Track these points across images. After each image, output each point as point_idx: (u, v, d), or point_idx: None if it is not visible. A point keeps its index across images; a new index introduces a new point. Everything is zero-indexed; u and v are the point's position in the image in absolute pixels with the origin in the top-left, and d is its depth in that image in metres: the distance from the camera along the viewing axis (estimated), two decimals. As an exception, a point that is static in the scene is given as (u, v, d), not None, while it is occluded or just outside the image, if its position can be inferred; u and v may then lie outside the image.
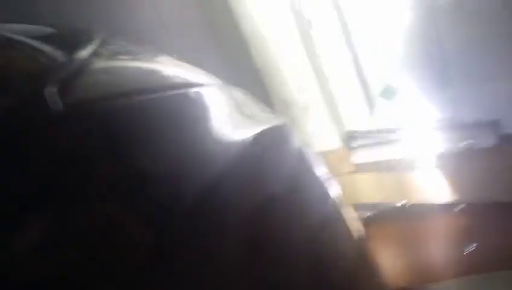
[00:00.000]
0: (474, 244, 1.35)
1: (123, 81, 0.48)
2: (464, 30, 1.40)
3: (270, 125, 0.63)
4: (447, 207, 1.46)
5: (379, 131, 1.62)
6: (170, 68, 0.60)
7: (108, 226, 0.40)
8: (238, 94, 0.66)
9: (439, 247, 1.40)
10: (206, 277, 0.44)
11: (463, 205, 1.46)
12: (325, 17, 1.49)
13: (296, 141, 0.68)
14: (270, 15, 1.43)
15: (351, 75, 1.59)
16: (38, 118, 0.37)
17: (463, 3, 1.35)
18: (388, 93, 1.61)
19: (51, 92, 0.38)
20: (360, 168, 1.59)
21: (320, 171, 0.72)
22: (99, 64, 0.48)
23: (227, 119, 0.58)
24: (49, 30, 0.54)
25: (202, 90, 0.57)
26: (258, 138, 0.58)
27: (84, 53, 0.47)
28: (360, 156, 1.59)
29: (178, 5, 1.26)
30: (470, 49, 1.42)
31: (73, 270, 0.37)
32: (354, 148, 1.60)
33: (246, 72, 1.45)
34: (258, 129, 0.59)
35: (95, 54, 0.49)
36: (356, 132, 1.64)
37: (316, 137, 1.56)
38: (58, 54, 0.46)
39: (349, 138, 1.62)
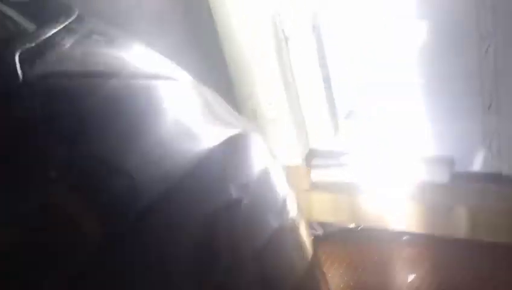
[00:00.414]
0: (416, 274, 1.39)
1: (96, 62, 0.46)
2: (431, 68, 1.46)
3: (239, 131, 0.62)
4: (396, 235, 1.50)
5: (340, 153, 1.64)
6: (145, 57, 0.58)
7: (56, 213, 0.38)
8: (209, 93, 0.65)
9: (383, 273, 1.43)
10: (157, 278, 0.43)
11: (411, 235, 1.50)
12: (302, 36, 1.51)
13: (262, 151, 0.68)
14: (249, 26, 1.44)
15: (320, 95, 1.61)
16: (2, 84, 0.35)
17: (434, 41, 1.41)
18: (353, 117, 1.65)
19: (19, 59, 0.36)
20: (317, 186, 1.60)
21: (283, 185, 0.72)
22: (72, 40, 0.46)
23: (196, 116, 0.58)
24: None
25: (175, 84, 0.56)
26: (227, 142, 0.57)
27: (56, 26, 0.45)
28: (319, 175, 1.61)
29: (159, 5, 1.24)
30: (434, 87, 1.48)
31: (16, 253, 0.35)
32: (314, 166, 1.62)
33: (217, 78, 1.45)
34: (226, 132, 0.59)
35: (69, 29, 0.47)
36: (318, 151, 1.66)
37: (279, 151, 1.56)
38: (28, 25, 0.44)
39: (311, 156, 1.64)
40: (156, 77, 0.55)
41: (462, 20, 1.33)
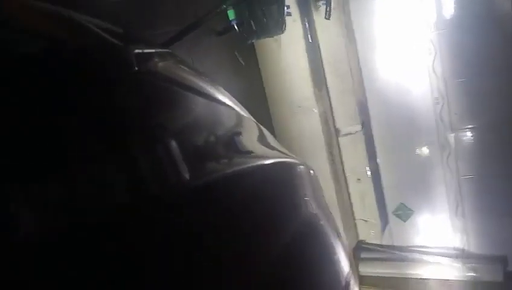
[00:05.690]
0: None
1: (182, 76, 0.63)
2: (479, 166, 1.52)
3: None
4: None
5: (389, 247, 1.66)
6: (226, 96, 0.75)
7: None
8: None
9: None
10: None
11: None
12: (353, 130, 1.65)
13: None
14: (301, 119, 1.60)
15: (369, 188, 1.69)
16: (124, 71, 0.51)
17: (481, 139, 1.49)
18: (402, 212, 1.69)
19: (137, 53, 0.52)
20: (365, 280, 1.59)
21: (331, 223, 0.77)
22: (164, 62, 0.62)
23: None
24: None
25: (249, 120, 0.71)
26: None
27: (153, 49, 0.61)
28: (368, 269, 1.61)
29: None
30: (484, 185, 1.52)
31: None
32: (362, 259, 1.63)
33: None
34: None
35: (162, 55, 0.63)
36: (367, 243, 1.68)
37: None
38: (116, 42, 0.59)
39: (360, 249, 1.66)
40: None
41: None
